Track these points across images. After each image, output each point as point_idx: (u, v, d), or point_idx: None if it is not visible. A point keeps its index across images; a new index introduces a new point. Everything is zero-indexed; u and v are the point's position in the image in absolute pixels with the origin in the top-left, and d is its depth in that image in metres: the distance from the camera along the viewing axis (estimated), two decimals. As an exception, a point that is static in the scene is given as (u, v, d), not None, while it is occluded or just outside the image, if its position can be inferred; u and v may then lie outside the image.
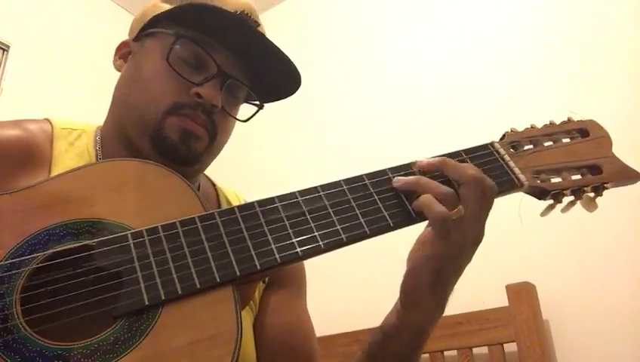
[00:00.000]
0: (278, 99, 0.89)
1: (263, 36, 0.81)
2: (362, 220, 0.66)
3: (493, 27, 2.14)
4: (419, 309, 0.69)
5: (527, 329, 1.57)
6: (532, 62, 1.99)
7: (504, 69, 2.04)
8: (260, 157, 2.57)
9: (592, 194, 0.74)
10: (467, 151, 0.74)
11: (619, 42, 1.84)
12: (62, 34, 2.57)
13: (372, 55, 2.43)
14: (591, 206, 0.73)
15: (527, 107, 1.89)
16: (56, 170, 0.75)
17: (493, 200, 0.67)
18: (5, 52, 2.35)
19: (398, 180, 0.69)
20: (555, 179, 0.73)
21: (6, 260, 0.57)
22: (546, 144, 0.77)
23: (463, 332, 1.68)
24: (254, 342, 0.83)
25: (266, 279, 0.86)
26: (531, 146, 0.76)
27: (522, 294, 1.62)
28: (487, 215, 0.67)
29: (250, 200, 0.68)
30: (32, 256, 0.58)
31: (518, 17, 2.09)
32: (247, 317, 0.82)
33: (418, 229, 0.70)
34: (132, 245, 0.59)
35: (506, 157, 0.73)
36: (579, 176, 0.74)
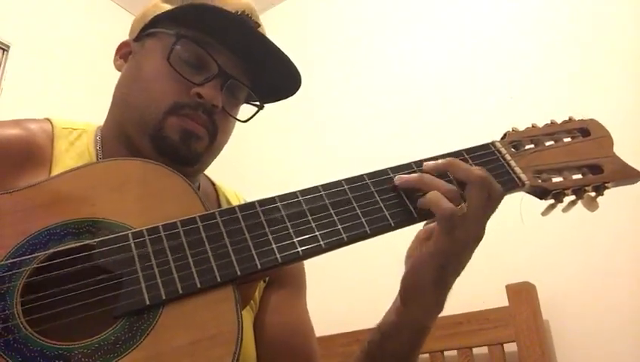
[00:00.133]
0: (278, 100, 0.89)
1: (263, 37, 0.81)
2: (363, 220, 0.66)
3: (493, 27, 2.14)
4: (420, 306, 0.69)
5: (527, 329, 1.57)
6: (532, 62, 1.99)
7: (504, 69, 2.04)
8: (260, 157, 2.57)
9: (593, 194, 0.74)
10: (468, 150, 0.74)
11: (619, 42, 1.84)
12: (62, 34, 2.57)
13: (372, 55, 2.43)
14: (592, 205, 0.73)
15: (527, 107, 1.89)
16: (57, 170, 0.75)
17: (498, 202, 0.68)
18: (5, 52, 2.35)
19: (400, 178, 0.69)
20: (556, 179, 0.73)
21: (6, 260, 0.57)
22: (547, 143, 0.77)
23: (463, 332, 1.68)
24: (254, 341, 0.83)
25: (267, 278, 0.87)
26: (532, 146, 0.76)
27: (522, 294, 1.62)
28: (490, 215, 0.68)
29: (250, 200, 0.68)
30: (33, 255, 0.58)
31: (518, 17, 2.09)
32: (248, 316, 0.82)
33: (418, 229, 0.70)
34: (133, 245, 0.59)
35: (507, 157, 0.73)
36: (580, 176, 0.74)
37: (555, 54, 1.95)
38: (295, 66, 0.83)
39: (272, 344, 0.83)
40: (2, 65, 2.32)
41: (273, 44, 0.80)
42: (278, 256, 0.61)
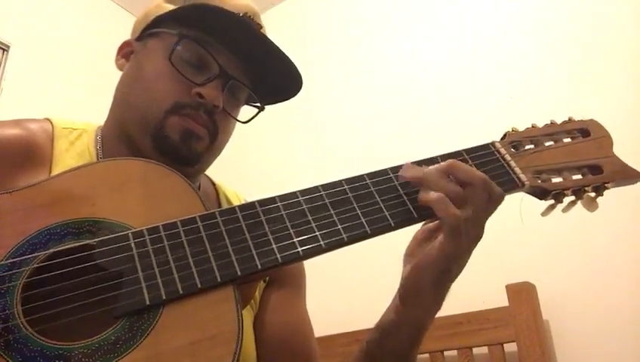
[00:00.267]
0: (278, 102, 0.89)
1: (265, 38, 0.81)
2: (363, 220, 0.66)
3: (493, 27, 2.14)
4: (419, 306, 0.69)
5: (527, 329, 1.57)
6: (532, 62, 1.99)
7: (504, 69, 2.04)
8: (260, 157, 2.57)
9: (592, 194, 0.73)
10: (468, 150, 0.73)
11: (619, 42, 1.84)
12: (62, 34, 2.57)
13: (372, 55, 2.43)
14: (592, 206, 0.73)
15: (527, 107, 1.89)
16: (57, 170, 0.75)
17: (498, 204, 0.67)
18: (5, 52, 2.35)
19: (407, 169, 0.68)
20: (556, 179, 0.73)
21: (6, 259, 0.57)
22: (547, 144, 0.77)
23: (463, 332, 1.68)
24: (254, 341, 0.83)
25: (267, 278, 0.87)
26: (532, 146, 0.76)
27: (522, 294, 1.62)
28: (489, 217, 0.68)
29: (250, 200, 0.68)
30: (33, 255, 0.58)
31: (518, 17, 2.09)
32: (248, 316, 0.82)
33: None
34: (133, 244, 0.59)
35: (507, 157, 0.73)
36: (580, 176, 0.74)
37: (555, 54, 1.95)
38: (296, 68, 0.83)
39: (271, 343, 0.83)
40: (2, 65, 2.32)
41: (275, 45, 0.81)
42: (278, 256, 0.61)
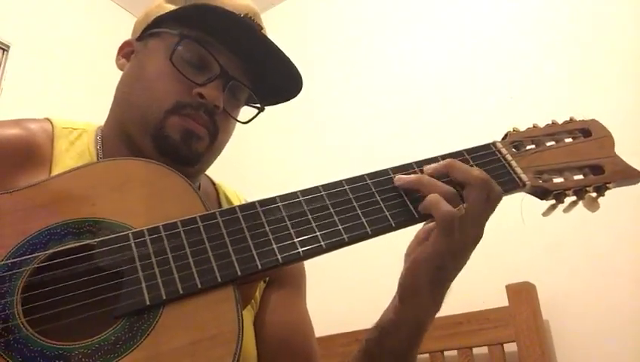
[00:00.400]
0: (279, 102, 0.89)
1: (266, 39, 0.81)
2: (364, 220, 0.66)
3: (493, 27, 2.14)
4: (417, 305, 0.70)
5: (527, 329, 1.57)
6: (532, 62, 1.99)
7: (504, 69, 2.04)
8: (260, 157, 2.57)
9: (594, 195, 0.73)
10: (469, 151, 0.73)
11: (619, 42, 1.84)
12: (62, 34, 2.57)
13: (372, 55, 2.43)
14: (593, 206, 0.73)
15: (527, 107, 1.89)
16: (57, 170, 0.75)
17: (497, 204, 0.67)
18: (5, 52, 2.35)
19: (400, 178, 0.69)
20: (557, 179, 0.73)
21: (7, 259, 0.57)
22: (548, 144, 0.76)
23: (463, 332, 1.68)
24: (254, 340, 0.83)
25: (267, 278, 0.87)
26: (533, 146, 0.76)
27: (522, 294, 1.62)
28: (489, 217, 0.68)
29: (250, 200, 0.68)
30: (33, 255, 0.58)
31: (518, 17, 2.09)
32: (248, 315, 0.82)
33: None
34: (133, 245, 0.59)
35: (508, 157, 0.73)
36: (581, 176, 0.74)
37: (555, 54, 1.95)
38: (297, 69, 0.83)
39: (271, 343, 0.83)
40: (2, 65, 2.32)
41: (275, 46, 0.81)
42: (278, 256, 0.61)
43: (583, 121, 0.78)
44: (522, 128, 0.77)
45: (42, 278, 0.57)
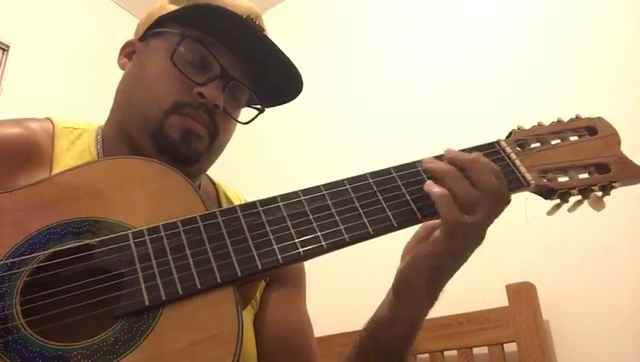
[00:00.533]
0: (279, 104, 0.89)
1: (267, 40, 0.81)
2: (365, 220, 0.65)
3: (493, 27, 2.14)
4: (412, 302, 0.70)
5: (527, 329, 1.57)
6: (532, 62, 1.99)
7: (504, 69, 2.04)
8: (260, 157, 2.57)
9: (599, 194, 0.72)
10: (473, 149, 0.72)
11: (619, 42, 1.84)
12: (62, 34, 2.56)
13: (372, 55, 2.43)
14: (598, 205, 0.72)
15: (527, 107, 1.89)
16: (57, 169, 0.75)
17: (502, 211, 0.67)
18: (5, 52, 2.35)
19: (430, 160, 0.68)
20: (562, 178, 0.72)
21: (6, 259, 0.57)
22: (553, 142, 0.75)
23: (463, 332, 1.68)
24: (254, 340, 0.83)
25: (267, 278, 0.87)
26: (538, 144, 0.75)
27: (522, 294, 1.62)
28: (491, 221, 0.67)
29: (251, 200, 0.67)
30: (33, 255, 0.58)
31: (518, 17, 2.09)
32: (248, 315, 0.82)
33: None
34: (133, 244, 0.59)
35: (512, 156, 0.72)
36: (586, 175, 0.73)
37: (555, 54, 1.95)
38: (297, 70, 0.83)
39: (271, 342, 0.83)
40: (2, 65, 2.32)
41: (277, 47, 0.81)
42: (279, 256, 0.61)
43: (588, 118, 0.77)
44: (526, 127, 0.77)
45: (41, 278, 0.57)
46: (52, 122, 0.82)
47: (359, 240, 0.65)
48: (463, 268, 0.69)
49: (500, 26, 2.12)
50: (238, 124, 0.85)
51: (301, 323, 0.89)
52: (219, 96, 0.77)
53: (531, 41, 2.02)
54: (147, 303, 0.55)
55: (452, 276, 0.69)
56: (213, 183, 0.94)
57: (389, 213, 0.66)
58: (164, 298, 0.56)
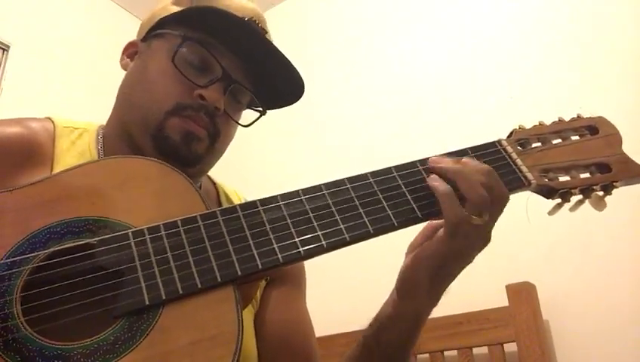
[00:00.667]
0: (280, 106, 0.89)
1: (269, 42, 0.81)
2: (366, 219, 0.65)
3: (493, 27, 2.14)
4: (414, 300, 0.70)
5: (527, 329, 1.57)
6: (532, 62, 1.99)
7: (504, 69, 2.04)
8: (259, 157, 2.57)
9: (601, 193, 0.72)
10: (474, 148, 0.73)
11: (619, 42, 1.84)
12: (62, 34, 2.56)
13: (372, 55, 2.43)
14: (600, 205, 0.71)
15: (527, 107, 1.89)
16: (58, 168, 0.75)
17: (502, 209, 0.68)
18: (5, 52, 2.35)
19: (440, 160, 0.68)
20: (564, 178, 0.72)
21: (6, 258, 0.57)
22: (555, 142, 0.75)
23: (463, 332, 1.68)
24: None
25: (268, 278, 0.87)
26: (539, 144, 0.75)
27: (522, 294, 1.62)
28: (495, 221, 0.68)
29: (251, 199, 0.67)
30: (33, 254, 0.58)
31: (518, 17, 2.09)
32: (249, 315, 0.82)
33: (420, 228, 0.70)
34: (133, 244, 0.59)
35: (514, 155, 0.72)
36: (588, 175, 0.73)
37: (555, 54, 1.95)
38: (299, 74, 0.83)
39: (271, 341, 0.83)
40: (2, 65, 2.32)
41: (278, 50, 0.80)
42: (279, 255, 0.61)
43: (590, 118, 0.77)
44: (527, 126, 0.77)
45: (42, 277, 0.57)
46: (53, 122, 0.82)
47: (360, 239, 0.64)
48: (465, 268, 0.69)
49: (500, 26, 2.12)
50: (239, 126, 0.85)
51: (301, 322, 0.89)
52: (220, 99, 0.77)
53: (531, 41, 2.02)
54: (147, 302, 0.55)
55: (456, 276, 0.69)
56: (214, 183, 0.94)
57: (390, 213, 0.66)
58: (164, 297, 0.56)
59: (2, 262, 0.57)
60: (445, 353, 1.71)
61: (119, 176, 0.66)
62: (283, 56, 0.81)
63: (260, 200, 0.66)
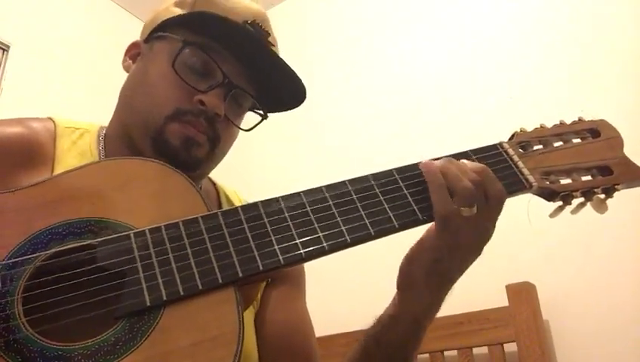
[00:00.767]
0: (282, 110, 0.89)
1: (268, 49, 0.81)
2: (367, 221, 0.65)
3: (493, 27, 2.14)
4: (413, 297, 0.70)
5: (527, 329, 1.57)
6: (532, 62, 1.99)
7: (504, 69, 2.04)
8: (258, 157, 2.57)
9: (602, 196, 0.72)
10: (475, 151, 0.73)
11: (619, 42, 1.84)
12: (62, 34, 2.56)
13: (372, 55, 2.43)
14: (601, 207, 0.72)
15: (527, 107, 1.89)
16: (59, 169, 0.75)
17: (499, 207, 0.68)
18: (5, 52, 2.35)
19: (428, 164, 0.69)
20: (565, 181, 0.73)
21: (8, 259, 0.57)
22: (556, 144, 0.76)
23: (463, 332, 1.68)
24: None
25: (269, 279, 0.86)
26: (541, 147, 0.75)
27: (522, 294, 1.62)
28: (492, 218, 0.68)
29: (251, 200, 0.67)
30: (35, 255, 0.58)
31: (518, 17, 2.09)
32: (249, 316, 0.82)
33: (421, 230, 0.70)
34: (134, 245, 0.59)
35: (515, 158, 0.73)
36: (589, 177, 0.73)
37: (555, 54, 1.95)
38: (300, 80, 0.82)
39: (271, 341, 0.83)
40: (2, 65, 2.32)
41: (278, 56, 0.81)
42: (280, 257, 0.61)
43: (591, 121, 0.78)
44: (527, 128, 0.77)
45: (43, 278, 0.57)
46: (54, 122, 0.82)
47: (361, 241, 0.65)
48: (466, 270, 0.69)
49: (500, 26, 2.12)
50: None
51: (301, 322, 0.89)
52: (220, 105, 0.77)
53: (531, 41, 2.02)
54: (148, 303, 0.55)
55: (456, 276, 0.69)
56: (214, 184, 0.94)
57: (391, 215, 0.66)
58: (165, 298, 0.56)
59: (4, 262, 0.57)
60: (445, 353, 1.71)
61: (121, 177, 0.66)
62: (284, 62, 0.80)
63: (261, 201, 0.66)
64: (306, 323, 0.90)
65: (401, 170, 0.70)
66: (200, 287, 0.57)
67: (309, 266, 0.91)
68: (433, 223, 0.69)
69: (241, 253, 0.61)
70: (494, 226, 0.68)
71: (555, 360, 1.63)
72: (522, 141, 0.75)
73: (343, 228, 0.64)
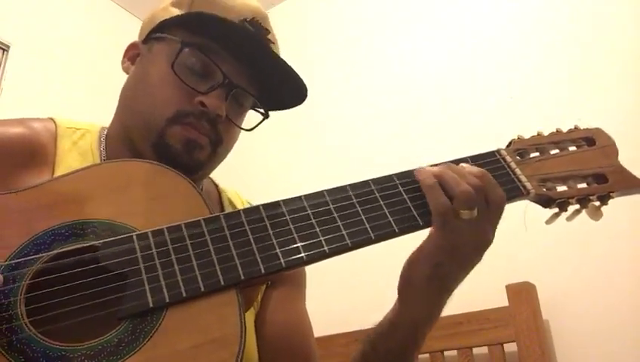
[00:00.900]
0: (283, 108, 0.89)
1: (268, 47, 0.81)
2: (367, 226, 0.66)
3: (493, 27, 2.14)
4: (414, 302, 0.70)
5: (527, 329, 1.58)
6: (532, 62, 1.99)
7: (504, 69, 2.05)
8: (258, 157, 2.57)
9: (597, 203, 0.74)
10: (473, 158, 0.74)
11: (619, 42, 1.84)
12: (62, 34, 2.56)
13: (372, 55, 2.43)
14: (596, 215, 0.74)
15: (527, 107, 1.89)
16: (60, 169, 0.75)
17: (499, 212, 0.68)
18: (5, 52, 2.34)
19: (424, 171, 0.69)
20: (561, 188, 0.74)
21: (11, 260, 0.58)
22: (553, 152, 0.77)
23: (463, 332, 1.68)
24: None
25: (270, 282, 0.87)
26: (538, 154, 0.76)
27: (522, 294, 1.62)
28: (492, 223, 0.68)
29: (252, 203, 0.68)
30: (37, 256, 0.58)
31: (518, 17, 2.09)
32: (250, 317, 0.83)
33: (421, 234, 0.70)
34: (137, 247, 0.60)
35: (513, 165, 0.74)
36: (585, 185, 0.74)
37: (555, 54, 1.95)
38: (301, 78, 0.82)
39: (271, 342, 0.84)
40: (2, 65, 2.32)
41: (278, 54, 0.80)
42: (282, 260, 0.62)
43: (587, 129, 0.79)
44: (525, 132, 0.78)
45: (46, 279, 0.57)
46: (55, 122, 0.82)
47: (361, 245, 0.65)
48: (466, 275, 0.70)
49: (500, 26, 2.12)
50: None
51: (301, 323, 0.89)
52: (221, 106, 0.76)
53: (531, 41, 2.02)
54: (151, 305, 0.56)
55: (457, 281, 0.69)
56: (216, 185, 0.94)
57: (391, 219, 0.67)
58: (167, 300, 0.56)
59: (7, 263, 0.57)
60: (445, 353, 1.71)
61: (122, 179, 0.66)
62: (284, 61, 0.80)
63: (262, 205, 0.66)
64: (305, 323, 0.90)
65: (400, 176, 0.71)
66: (202, 289, 0.57)
67: (309, 266, 0.91)
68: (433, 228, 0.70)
69: (244, 256, 0.61)
70: (494, 231, 0.68)
71: (555, 360, 1.63)
72: (519, 148, 0.76)
73: (343, 232, 0.65)
